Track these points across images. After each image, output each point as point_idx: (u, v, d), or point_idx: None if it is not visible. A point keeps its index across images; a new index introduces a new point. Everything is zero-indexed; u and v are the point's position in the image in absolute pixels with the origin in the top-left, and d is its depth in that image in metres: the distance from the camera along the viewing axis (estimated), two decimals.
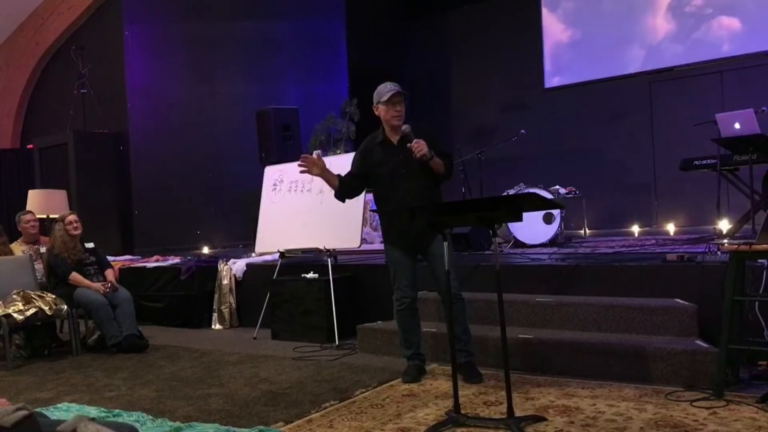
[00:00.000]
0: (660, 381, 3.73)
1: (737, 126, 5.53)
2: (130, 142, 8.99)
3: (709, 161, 5.99)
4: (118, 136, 9.11)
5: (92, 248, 6.03)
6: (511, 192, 6.61)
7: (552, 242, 6.54)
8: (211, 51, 9.59)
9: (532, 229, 6.45)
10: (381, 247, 4.74)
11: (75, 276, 5.72)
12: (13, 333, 5.29)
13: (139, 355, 5.38)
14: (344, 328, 5.33)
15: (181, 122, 9.28)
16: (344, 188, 4.17)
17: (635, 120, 9.14)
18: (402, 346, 4.23)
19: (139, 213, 8.96)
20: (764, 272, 3.85)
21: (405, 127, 3.97)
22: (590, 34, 9.66)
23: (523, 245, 6.51)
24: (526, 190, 6.49)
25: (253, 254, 6.80)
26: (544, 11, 10.03)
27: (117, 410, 3.69)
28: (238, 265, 6.61)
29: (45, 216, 7.30)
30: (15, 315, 5.14)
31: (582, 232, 7.95)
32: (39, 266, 6.08)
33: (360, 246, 5.82)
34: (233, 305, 6.55)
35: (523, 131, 7.50)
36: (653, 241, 6.51)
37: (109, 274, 5.93)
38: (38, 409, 2.66)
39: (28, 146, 10.34)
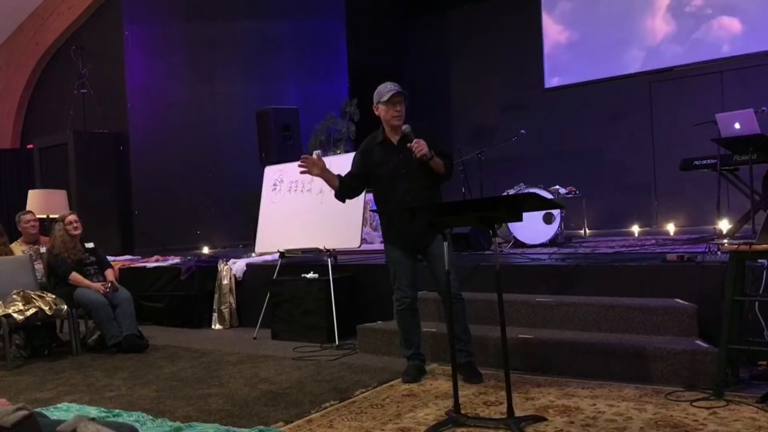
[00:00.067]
0: (660, 381, 3.73)
1: (737, 126, 5.53)
2: (130, 142, 8.99)
3: (709, 161, 5.99)
4: (118, 136, 9.11)
5: (92, 248, 6.03)
6: (511, 192, 6.61)
7: (552, 242, 6.54)
8: (211, 51, 9.59)
9: (532, 229, 6.45)
10: (381, 247, 4.74)
11: (75, 276, 5.72)
12: (13, 333, 5.29)
13: (139, 355, 5.38)
14: (344, 328, 5.33)
15: (181, 122, 9.28)
16: (344, 188, 4.17)
17: (635, 120, 9.14)
18: (402, 346, 4.23)
19: (139, 213, 8.96)
20: (764, 272, 3.85)
21: (405, 127, 3.97)
22: (590, 34, 9.66)
23: (523, 245, 6.51)
24: (526, 190, 6.49)
25: (253, 254, 6.80)
26: (545, 11, 10.03)
27: (117, 410, 3.69)
28: (238, 265, 6.61)
29: (45, 216, 7.30)
30: (15, 315, 5.14)
31: (582, 232, 7.95)
32: (39, 266, 6.08)
33: (360, 246, 5.82)
34: (233, 305, 6.55)
35: (523, 131, 7.50)
36: (653, 241, 6.50)
37: (109, 274, 5.93)
38: (38, 409, 2.66)
39: (28, 146, 10.34)
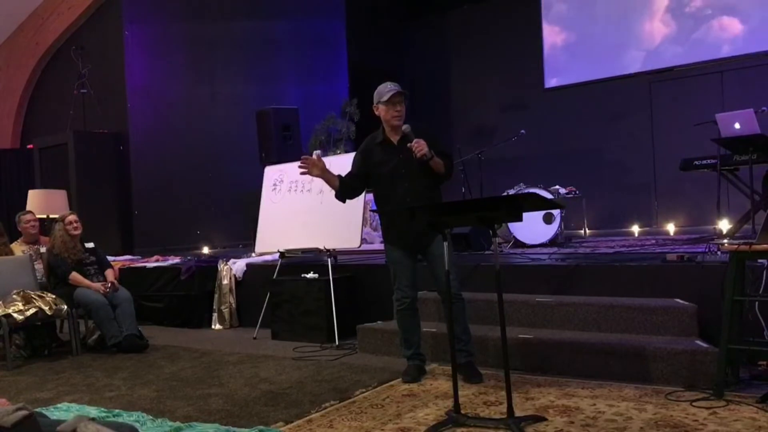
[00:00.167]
0: (660, 381, 3.73)
1: (737, 126, 5.53)
2: (130, 142, 8.98)
3: (709, 161, 5.99)
4: (118, 136, 9.10)
5: (92, 248, 6.03)
6: (511, 192, 6.61)
7: (552, 242, 6.54)
8: (211, 51, 9.59)
9: (532, 229, 6.45)
10: (381, 247, 4.74)
11: (75, 276, 5.72)
12: (13, 333, 5.29)
13: (139, 355, 5.38)
14: (344, 328, 5.33)
15: (181, 122, 9.28)
16: (345, 189, 4.17)
17: (635, 120, 9.14)
18: (402, 346, 4.23)
19: (139, 213, 8.95)
20: (764, 272, 3.85)
21: (405, 127, 3.97)
22: (590, 34, 9.67)
23: (523, 245, 6.51)
24: (526, 190, 6.49)
25: (253, 254, 6.80)
26: (545, 11, 10.03)
27: (117, 410, 3.69)
28: (238, 265, 6.61)
29: (45, 216, 7.30)
30: (15, 315, 5.14)
31: (582, 232, 7.95)
32: (39, 266, 6.08)
33: (360, 246, 5.82)
34: (233, 305, 6.55)
35: (523, 131, 7.50)
36: (653, 241, 6.51)
37: (109, 274, 5.93)
38: (38, 409, 2.66)
39: (28, 146, 10.33)
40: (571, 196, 7.15)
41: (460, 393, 3.36)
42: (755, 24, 8.47)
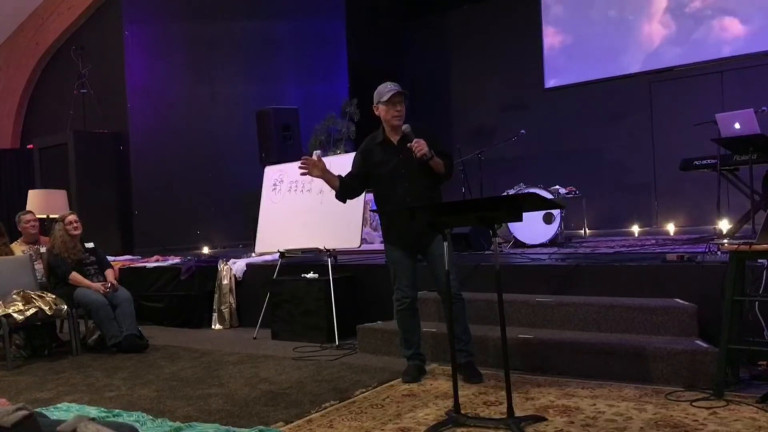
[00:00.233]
0: (660, 381, 3.73)
1: (737, 126, 5.53)
2: (130, 142, 8.98)
3: (709, 161, 5.99)
4: (118, 136, 9.10)
5: (92, 248, 6.03)
6: (511, 192, 6.61)
7: (552, 242, 6.54)
8: (211, 51, 9.58)
9: (532, 229, 6.45)
10: (381, 247, 4.74)
11: (75, 276, 5.72)
12: (13, 333, 5.29)
13: (139, 355, 5.38)
14: (344, 328, 5.33)
15: (181, 122, 9.28)
16: (345, 189, 4.17)
17: (635, 120, 9.14)
18: (402, 346, 4.23)
19: (139, 213, 8.95)
20: (764, 272, 3.85)
21: (405, 127, 3.97)
22: (591, 34, 9.66)
23: (523, 245, 6.51)
24: (526, 190, 6.49)
25: (253, 254, 6.80)
26: (545, 12, 10.03)
27: (117, 410, 3.69)
28: (238, 265, 6.61)
29: (45, 216, 7.30)
30: (15, 315, 5.14)
31: (582, 232, 7.95)
32: (39, 266, 6.08)
33: (360, 246, 5.82)
34: (233, 305, 6.55)
35: (523, 131, 7.50)
36: (653, 241, 6.50)
37: (109, 274, 5.93)
38: (38, 409, 2.66)
39: (28, 146, 10.33)
40: (571, 196, 7.15)
41: (460, 393, 3.36)
42: (755, 24, 8.47)
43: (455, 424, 3.20)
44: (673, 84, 8.94)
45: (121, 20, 9.00)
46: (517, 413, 3.19)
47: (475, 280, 4.90)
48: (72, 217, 5.88)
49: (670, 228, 7.84)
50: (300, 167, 4.09)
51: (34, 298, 5.30)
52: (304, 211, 6.08)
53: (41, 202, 7.52)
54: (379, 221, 5.85)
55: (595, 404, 3.43)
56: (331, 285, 5.41)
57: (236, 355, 5.18)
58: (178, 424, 3.39)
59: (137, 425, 2.97)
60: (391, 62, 10.93)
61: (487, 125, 10.35)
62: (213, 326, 6.54)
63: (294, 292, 5.74)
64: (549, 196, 6.35)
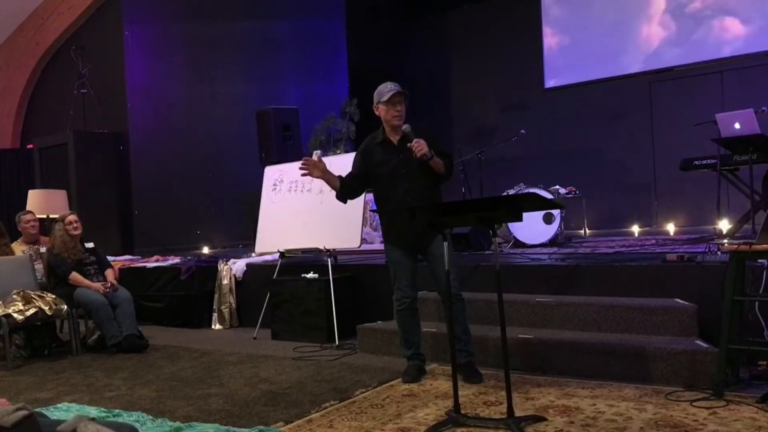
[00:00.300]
0: (660, 381, 3.73)
1: (737, 126, 5.53)
2: (130, 142, 8.99)
3: (709, 161, 5.99)
4: (118, 136, 9.11)
5: (92, 248, 6.03)
6: (511, 192, 6.61)
7: (552, 242, 6.54)
8: (211, 51, 9.59)
9: (532, 229, 6.45)
10: (381, 247, 4.74)
11: (75, 276, 5.72)
12: (13, 333, 5.29)
13: (139, 355, 5.38)
14: (344, 328, 5.33)
15: (181, 122, 9.29)
16: (345, 189, 4.17)
17: (635, 120, 9.14)
18: (402, 346, 4.23)
19: (139, 213, 8.96)
20: (764, 272, 3.85)
21: (405, 127, 3.97)
22: (591, 34, 9.66)
23: (523, 245, 6.51)
24: (526, 190, 6.49)
25: (253, 254, 6.80)
26: (545, 12, 10.03)
27: (117, 410, 3.69)
28: (238, 265, 6.61)
29: (45, 216, 7.30)
30: (15, 315, 5.14)
31: (582, 232, 7.95)
32: (39, 266, 6.08)
33: (360, 246, 5.83)
34: (233, 305, 6.55)
35: (523, 131, 7.51)
36: (653, 241, 6.51)
37: (109, 274, 5.93)
38: (38, 409, 2.66)
39: (28, 146, 10.34)
40: (571, 196, 7.15)
41: (460, 393, 3.36)
42: (755, 24, 8.47)
43: (455, 424, 3.20)
44: (673, 84, 8.94)
45: (121, 20, 9.01)
46: (517, 413, 3.19)
47: (475, 280, 4.90)
48: (72, 217, 5.88)
49: (670, 228, 7.84)
50: (300, 168, 4.09)
51: (34, 298, 5.30)
52: (304, 211, 6.08)
53: (41, 202, 7.53)
54: (379, 221, 5.86)
55: (595, 404, 3.43)
56: (331, 285, 5.41)
57: (236, 355, 5.18)
58: (178, 424, 3.39)
59: (137, 425, 2.97)
60: (391, 62, 10.93)
61: (487, 125, 10.35)
62: (213, 326, 6.54)
63: (294, 292, 5.74)
64: (549, 196, 6.35)
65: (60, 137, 9.12)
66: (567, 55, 9.91)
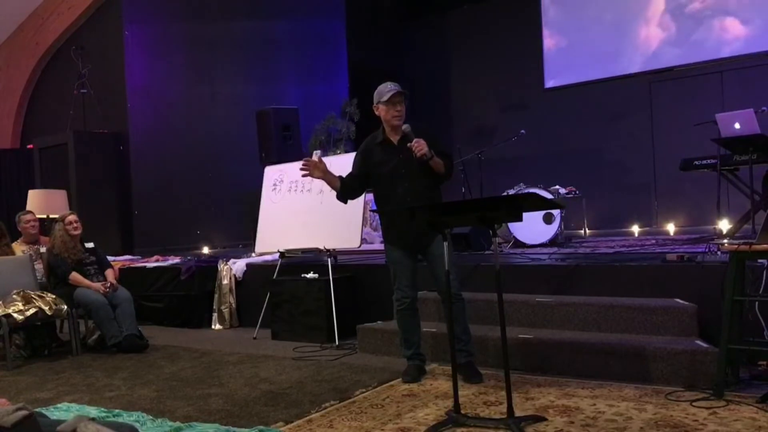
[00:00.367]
0: (660, 381, 3.73)
1: (737, 126, 5.53)
2: (130, 142, 8.99)
3: (709, 161, 5.99)
4: (118, 136, 9.10)
5: (92, 248, 6.03)
6: (511, 192, 6.61)
7: (552, 242, 6.54)
8: (211, 51, 9.59)
9: (532, 229, 6.45)
10: (381, 247, 4.74)
11: (75, 276, 5.72)
12: (13, 333, 5.29)
13: (139, 355, 5.38)
14: (344, 328, 5.33)
15: (181, 122, 9.29)
16: (346, 189, 4.17)
17: (635, 120, 9.14)
18: (402, 346, 4.23)
19: (139, 213, 8.95)
20: (764, 272, 3.85)
21: (405, 127, 3.97)
22: (591, 34, 9.66)
23: (523, 245, 6.51)
24: (526, 190, 6.49)
25: (253, 254, 6.80)
26: (545, 13, 10.03)
27: (117, 410, 3.69)
28: (238, 265, 6.61)
29: (45, 216, 7.30)
30: (15, 315, 5.14)
31: (582, 232, 7.95)
32: (39, 266, 6.08)
33: (360, 246, 5.83)
34: (233, 305, 6.55)
35: (523, 131, 7.51)
36: (653, 241, 6.51)
37: (109, 274, 5.93)
38: (38, 409, 2.66)
39: (28, 146, 10.33)
40: (571, 196, 7.15)
41: (460, 393, 3.36)
42: (755, 24, 8.47)
43: (455, 424, 3.20)
44: (673, 84, 8.94)
45: (121, 20, 9.01)
46: (517, 413, 3.19)
47: (475, 280, 4.90)
48: (72, 217, 5.88)
49: (670, 228, 7.84)
50: (301, 169, 4.09)
51: (34, 298, 5.30)
52: (304, 211, 6.08)
53: (41, 202, 7.53)
54: (379, 221, 5.86)
55: (595, 404, 3.43)
56: (331, 285, 5.41)
57: (236, 355, 5.18)
58: (178, 424, 3.40)
59: (137, 425, 2.97)
60: (391, 62, 10.93)
61: (487, 125, 10.35)
62: (213, 326, 6.54)
63: (294, 292, 5.74)
64: (549, 196, 6.35)
65: (60, 137, 9.11)
66: (567, 55, 9.91)
